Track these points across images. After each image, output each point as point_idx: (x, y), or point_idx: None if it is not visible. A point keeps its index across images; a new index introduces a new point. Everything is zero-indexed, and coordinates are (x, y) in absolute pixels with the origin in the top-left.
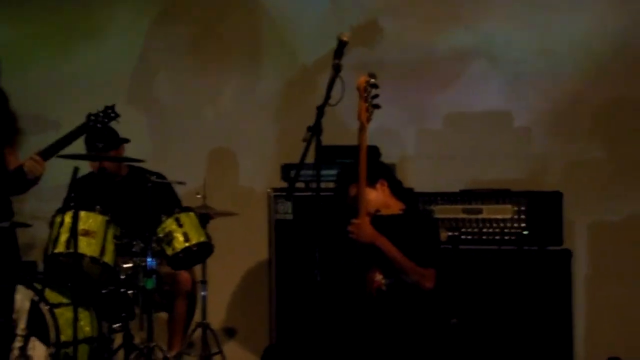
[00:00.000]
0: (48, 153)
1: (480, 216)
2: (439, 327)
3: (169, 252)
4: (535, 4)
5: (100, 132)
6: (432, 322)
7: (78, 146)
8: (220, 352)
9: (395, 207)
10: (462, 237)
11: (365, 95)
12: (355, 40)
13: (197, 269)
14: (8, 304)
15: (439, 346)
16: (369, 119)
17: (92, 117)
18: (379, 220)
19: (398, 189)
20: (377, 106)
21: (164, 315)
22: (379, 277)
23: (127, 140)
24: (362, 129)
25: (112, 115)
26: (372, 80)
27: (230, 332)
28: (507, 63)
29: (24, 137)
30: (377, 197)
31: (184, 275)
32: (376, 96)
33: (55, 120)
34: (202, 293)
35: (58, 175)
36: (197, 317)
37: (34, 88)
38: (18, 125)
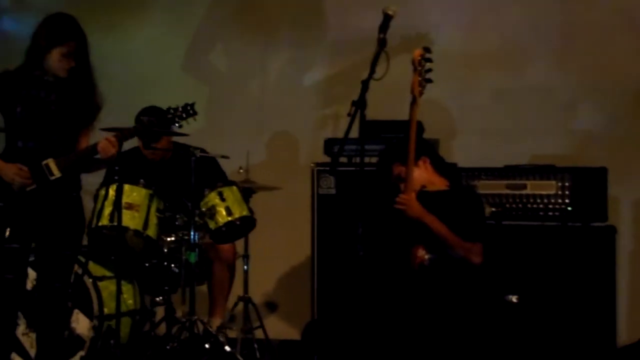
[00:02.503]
0: (124, 137)
1: (524, 192)
2: (481, 302)
3: (212, 226)
4: None
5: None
6: (475, 298)
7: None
8: (262, 326)
9: (439, 183)
10: (506, 212)
11: (420, 68)
12: (401, 14)
13: (240, 243)
14: (68, 271)
15: (481, 322)
16: (421, 93)
17: (171, 111)
18: (424, 196)
19: (441, 165)
20: (429, 80)
21: (205, 288)
22: (422, 252)
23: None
24: (414, 103)
25: (191, 112)
26: (427, 54)
27: (271, 307)
28: (553, 38)
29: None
30: (420, 174)
31: (225, 245)
32: (430, 70)
33: (106, 94)
34: (244, 267)
35: None
36: (238, 291)
37: None
38: (98, 101)
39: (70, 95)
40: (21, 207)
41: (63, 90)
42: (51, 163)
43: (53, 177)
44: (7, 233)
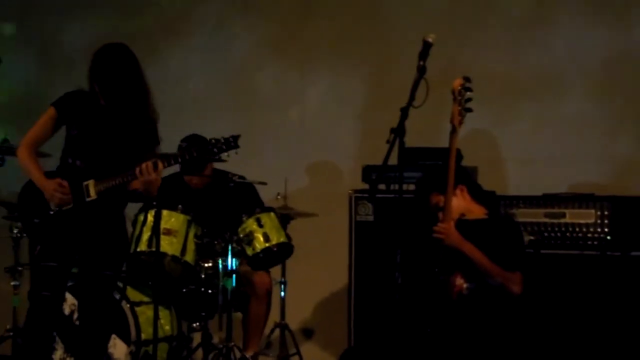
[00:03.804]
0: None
1: (563, 220)
2: (519, 331)
3: (249, 252)
4: (616, 6)
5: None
6: (514, 327)
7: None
8: (298, 353)
9: (478, 211)
10: (545, 241)
11: (459, 98)
12: (441, 41)
13: (277, 269)
14: (108, 292)
15: (519, 351)
16: (461, 122)
17: (213, 142)
18: (463, 225)
19: (478, 194)
20: (469, 110)
21: (241, 314)
22: (460, 281)
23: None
24: (453, 132)
25: (232, 145)
26: (467, 83)
27: (308, 333)
28: (593, 66)
29: None
30: (458, 202)
31: (260, 276)
32: (469, 99)
33: None
34: (281, 293)
35: None
36: (275, 317)
37: None
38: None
39: (121, 123)
40: (56, 225)
41: (117, 117)
42: (91, 185)
43: (89, 199)
44: (37, 250)
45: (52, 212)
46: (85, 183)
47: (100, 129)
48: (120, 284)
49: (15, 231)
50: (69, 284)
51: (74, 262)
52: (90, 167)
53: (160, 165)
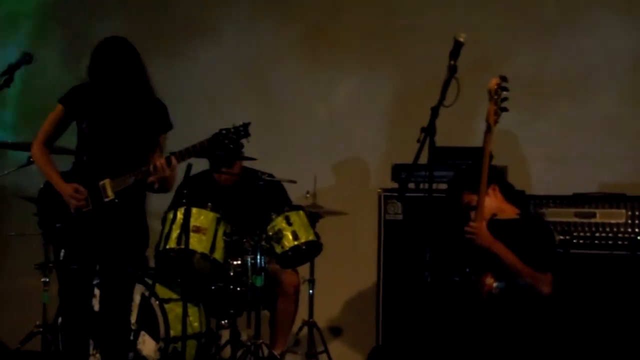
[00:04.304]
0: (181, 156)
1: (593, 220)
2: (548, 332)
3: (278, 250)
4: None
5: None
6: (543, 327)
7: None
8: (326, 351)
9: (509, 211)
10: (574, 241)
11: (496, 97)
12: (471, 41)
13: (305, 267)
14: (129, 288)
15: (547, 351)
16: (496, 122)
17: (224, 132)
18: (495, 225)
19: (511, 193)
20: (505, 109)
21: (268, 312)
22: (490, 280)
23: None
24: (488, 131)
25: (243, 133)
26: (504, 83)
27: (336, 332)
28: (623, 66)
29: None
30: (490, 202)
31: (289, 275)
32: (505, 99)
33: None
34: (309, 291)
35: None
36: (303, 315)
37: None
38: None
39: (131, 108)
40: (78, 228)
41: (125, 104)
42: (107, 184)
43: (107, 199)
44: (62, 254)
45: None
46: (101, 183)
47: (109, 118)
48: (150, 281)
49: None
50: (96, 281)
51: (96, 261)
52: (104, 162)
53: (173, 161)
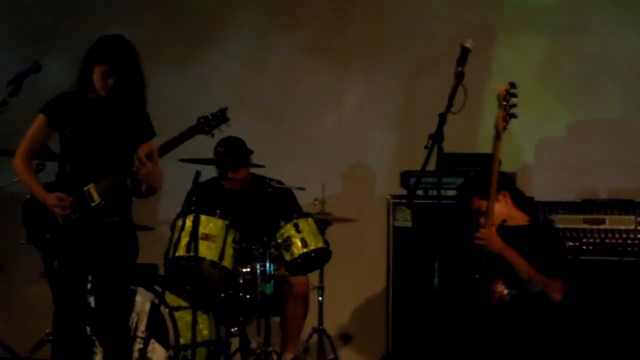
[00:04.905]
0: (163, 151)
1: (602, 226)
2: (560, 339)
3: (287, 257)
4: None
5: (232, 143)
6: (554, 334)
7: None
8: (336, 358)
9: (519, 218)
10: (583, 247)
11: (505, 104)
12: (478, 47)
13: (315, 274)
14: (123, 296)
15: (559, 358)
16: (505, 128)
17: (202, 120)
18: (505, 231)
19: (520, 200)
20: (514, 115)
21: (279, 319)
22: (501, 287)
23: (251, 152)
24: (497, 138)
25: (221, 119)
26: (512, 89)
27: (346, 339)
28: (632, 71)
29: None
30: (500, 208)
31: (298, 278)
32: (514, 105)
33: (178, 124)
34: (319, 299)
35: (181, 179)
36: (313, 322)
37: (157, 93)
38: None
39: (116, 116)
40: (69, 237)
41: (109, 111)
42: (91, 188)
43: (94, 204)
44: (56, 265)
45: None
46: (86, 189)
47: (93, 125)
48: (159, 289)
49: None
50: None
51: (89, 271)
52: (88, 170)
53: (155, 153)
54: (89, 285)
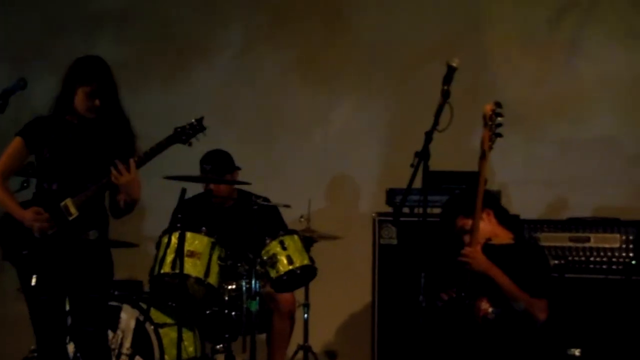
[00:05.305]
0: (141, 161)
1: (587, 245)
2: (545, 357)
3: (273, 274)
4: None
5: (217, 156)
6: (538, 352)
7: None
8: None
9: (504, 236)
10: (569, 265)
11: (490, 123)
12: (465, 65)
13: (300, 291)
14: (99, 314)
15: None
16: (491, 147)
17: (179, 130)
18: (490, 250)
19: (505, 218)
20: (499, 135)
21: (265, 336)
22: (486, 305)
23: (238, 168)
24: (483, 157)
25: (199, 128)
26: (498, 109)
27: (331, 356)
28: (619, 90)
29: None
30: (484, 226)
31: (285, 295)
32: (500, 124)
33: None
34: (304, 316)
35: (166, 196)
36: (298, 339)
37: (144, 108)
38: (135, 136)
39: (97, 136)
40: (46, 253)
41: (90, 132)
42: (69, 203)
43: (71, 217)
44: (34, 281)
45: (38, 237)
46: (63, 204)
47: (72, 146)
48: (144, 306)
49: None
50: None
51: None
52: (66, 187)
53: (132, 162)
54: (66, 304)
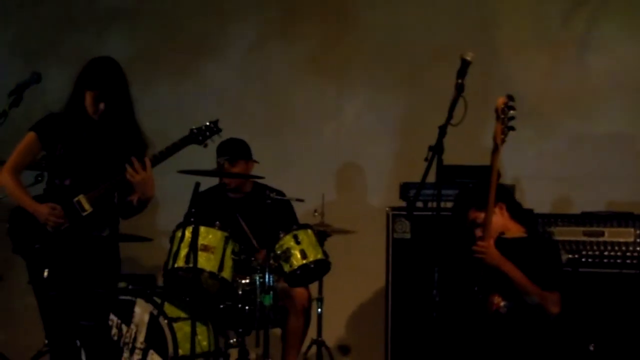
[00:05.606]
0: (156, 160)
1: (601, 239)
2: (558, 352)
3: (287, 269)
4: None
5: (233, 142)
6: (551, 347)
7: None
8: None
9: (516, 230)
10: (582, 259)
11: (503, 116)
12: (478, 60)
13: (314, 286)
14: (103, 310)
15: None
16: (503, 141)
17: (195, 131)
18: (502, 243)
19: (517, 212)
20: (512, 128)
21: (278, 331)
22: (498, 299)
23: (256, 161)
24: (495, 151)
25: (215, 129)
26: (511, 102)
27: (345, 350)
28: (632, 84)
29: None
30: (497, 220)
31: (299, 291)
32: (512, 118)
33: (174, 137)
34: (318, 310)
35: (179, 190)
36: (312, 333)
37: (154, 105)
38: (146, 140)
39: (111, 135)
40: (58, 248)
41: (104, 131)
42: (82, 199)
43: (85, 213)
44: (46, 274)
45: (51, 231)
46: (76, 199)
47: (85, 142)
48: (158, 300)
49: None
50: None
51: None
52: (79, 184)
53: (147, 162)
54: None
